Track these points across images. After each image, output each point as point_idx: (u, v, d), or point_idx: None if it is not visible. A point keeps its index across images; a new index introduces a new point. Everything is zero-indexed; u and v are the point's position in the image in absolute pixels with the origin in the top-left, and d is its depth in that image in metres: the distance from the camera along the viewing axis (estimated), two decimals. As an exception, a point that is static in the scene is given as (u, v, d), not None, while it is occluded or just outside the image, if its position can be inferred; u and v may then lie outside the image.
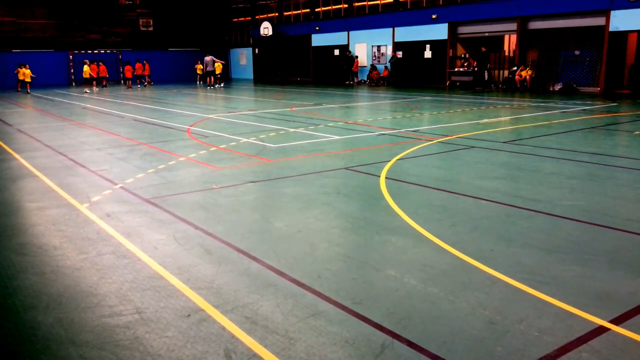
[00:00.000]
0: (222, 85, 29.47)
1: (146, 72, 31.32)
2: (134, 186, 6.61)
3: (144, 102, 18.87)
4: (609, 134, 10.71)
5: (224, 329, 3.09)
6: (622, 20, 19.96)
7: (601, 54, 20.83)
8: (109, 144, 10.08)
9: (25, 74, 26.34)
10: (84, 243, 4.59)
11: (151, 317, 3.24)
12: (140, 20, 38.15)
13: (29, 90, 26.54)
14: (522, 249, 4.28)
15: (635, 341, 2.89)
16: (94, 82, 28.21)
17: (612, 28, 20.23)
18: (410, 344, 2.90)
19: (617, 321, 3.10)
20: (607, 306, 3.29)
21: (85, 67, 26.90)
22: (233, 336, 3.00)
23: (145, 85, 31.07)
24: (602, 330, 3.01)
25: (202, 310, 3.32)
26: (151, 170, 7.54)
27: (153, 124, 13.33)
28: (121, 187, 6.57)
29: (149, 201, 5.91)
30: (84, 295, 3.57)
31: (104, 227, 5.00)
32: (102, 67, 29.17)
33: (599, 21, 20.63)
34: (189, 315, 3.25)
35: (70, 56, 35.16)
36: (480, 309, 3.29)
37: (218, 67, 29.02)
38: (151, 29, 38.56)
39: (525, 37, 23.26)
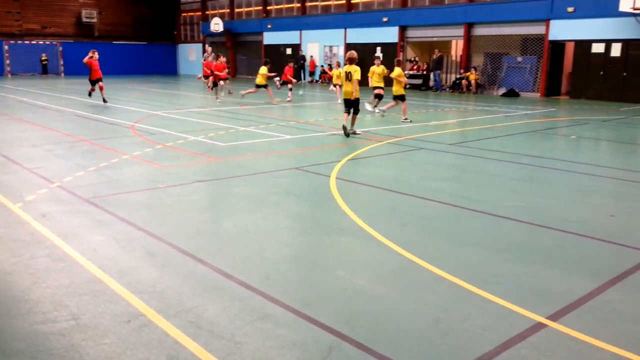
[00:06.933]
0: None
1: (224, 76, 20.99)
2: (72, 185, 6.28)
3: (84, 96, 17.95)
4: (548, 137, 11.24)
5: (166, 334, 2.97)
6: (560, 30, 21.02)
7: (541, 61, 21.86)
8: (47, 140, 9.56)
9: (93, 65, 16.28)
10: (17, 245, 4.31)
11: (88, 324, 3.07)
12: (84, 11, 36.51)
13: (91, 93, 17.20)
14: (466, 249, 4.39)
15: (570, 336, 3.02)
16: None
17: (551, 37, 21.28)
18: (358, 344, 2.90)
19: (554, 317, 3.23)
20: (545, 303, 3.42)
21: (264, 69, 18.60)
22: (176, 342, 2.89)
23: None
24: (540, 326, 3.12)
25: (144, 315, 3.19)
26: (92, 168, 7.21)
27: (95, 120, 12.77)
28: (58, 186, 6.23)
29: (88, 201, 5.63)
30: (15, 301, 3.34)
31: (39, 228, 4.72)
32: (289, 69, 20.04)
33: (540, 30, 21.64)
34: (129, 321, 3.11)
35: (6, 46, 33.18)
36: (426, 308, 3.34)
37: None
38: (95, 20, 36.98)
39: (471, 43, 24.05)
